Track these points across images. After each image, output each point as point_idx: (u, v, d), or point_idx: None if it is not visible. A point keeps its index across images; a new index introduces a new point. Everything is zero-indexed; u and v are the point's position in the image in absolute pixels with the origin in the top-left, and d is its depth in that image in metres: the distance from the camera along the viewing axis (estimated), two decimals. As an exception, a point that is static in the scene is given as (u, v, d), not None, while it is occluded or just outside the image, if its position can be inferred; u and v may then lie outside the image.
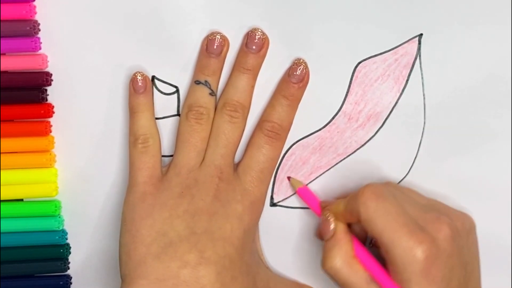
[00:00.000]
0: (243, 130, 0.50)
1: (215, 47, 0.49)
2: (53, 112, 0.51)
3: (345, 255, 0.46)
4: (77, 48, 0.50)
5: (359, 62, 0.50)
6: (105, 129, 0.51)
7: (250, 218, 0.49)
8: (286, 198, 0.53)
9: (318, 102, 0.50)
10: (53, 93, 0.51)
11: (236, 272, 0.48)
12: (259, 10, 0.50)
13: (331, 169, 0.52)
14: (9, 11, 0.48)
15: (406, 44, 0.50)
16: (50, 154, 0.51)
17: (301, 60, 0.50)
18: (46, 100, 0.50)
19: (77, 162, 0.52)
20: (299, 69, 0.49)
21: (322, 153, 0.52)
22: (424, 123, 0.51)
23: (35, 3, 0.49)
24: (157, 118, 0.51)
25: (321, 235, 0.48)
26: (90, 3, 0.50)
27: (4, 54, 0.49)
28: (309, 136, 0.51)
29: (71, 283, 0.53)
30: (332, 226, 0.47)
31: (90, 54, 0.50)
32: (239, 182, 0.49)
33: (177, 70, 0.51)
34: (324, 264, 0.47)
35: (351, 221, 0.47)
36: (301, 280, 0.54)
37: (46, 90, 0.50)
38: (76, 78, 0.51)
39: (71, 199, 0.52)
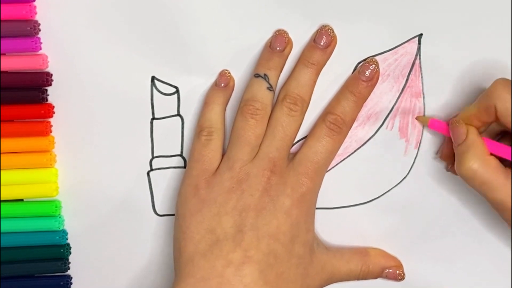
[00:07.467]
0: (301, 124, 0.50)
1: (279, 43, 0.49)
2: (54, 113, 0.51)
3: (481, 154, 0.46)
4: (77, 48, 0.50)
5: (359, 62, 0.50)
6: (105, 130, 0.51)
7: (300, 211, 0.48)
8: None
9: (318, 102, 0.50)
10: (54, 94, 0.51)
11: (283, 267, 0.48)
12: (258, 10, 0.50)
13: (332, 169, 0.52)
14: (10, 11, 0.48)
15: (406, 44, 0.50)
16: (51, 154, 0.51)
17: (373, 59, 0.50)
18: (47, 100, 0.50)
19: (77, 162, 0.52)
20: (371, 68, 0.49)
21: (322, 152, 0.52)
22: (424, 123, 0.52)
23: (35, 3, 0.49)
24: (157, 119, 0.51)
25: (453, 141, 0.48)
26: (90, 4, 0.50)
27: (4, 54, 0.49)
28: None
29: (71, 283, 0.53)
30: (464, 129, 0.47)
31: (90, 54, 0.50)
32: (293, 173, 0.49)
33: (177, 71, 0.51)
34: (460, 167, 0.46)
35: (486, 121, 0.47)
36: None
37: (46, 90, 0.50)
38: (76, 78, 0.51)
39: (71, 199, 0.52)
